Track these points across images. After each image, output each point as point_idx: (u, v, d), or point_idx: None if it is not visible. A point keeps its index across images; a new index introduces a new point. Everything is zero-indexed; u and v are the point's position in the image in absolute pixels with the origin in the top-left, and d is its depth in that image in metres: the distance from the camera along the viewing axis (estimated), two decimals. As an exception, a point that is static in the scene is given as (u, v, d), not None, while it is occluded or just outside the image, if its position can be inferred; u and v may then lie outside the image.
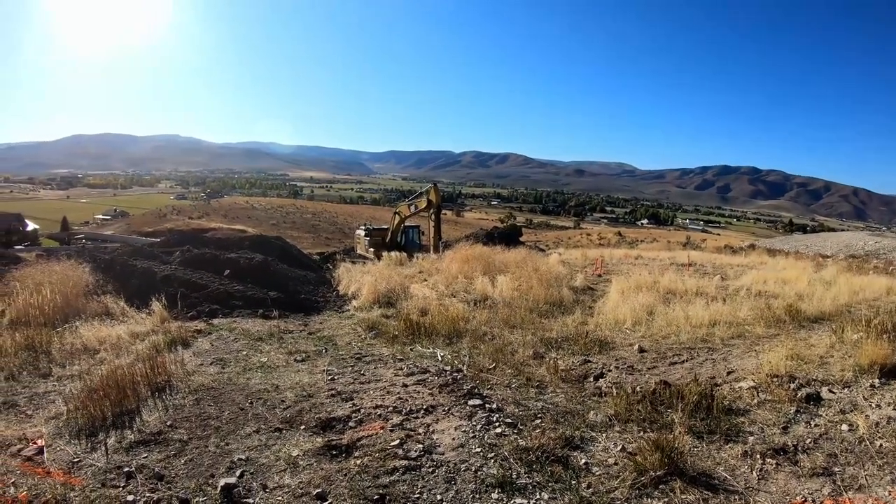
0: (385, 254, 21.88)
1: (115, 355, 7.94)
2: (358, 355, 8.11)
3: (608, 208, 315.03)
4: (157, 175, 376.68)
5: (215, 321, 10.57)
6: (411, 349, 8.39)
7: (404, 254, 21.39)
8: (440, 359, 7.74)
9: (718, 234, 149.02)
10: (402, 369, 7.24)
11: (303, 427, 5.43)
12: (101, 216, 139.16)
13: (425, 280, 15.46)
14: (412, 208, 26.29)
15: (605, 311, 10.65)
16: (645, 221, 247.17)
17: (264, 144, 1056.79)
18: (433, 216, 24.43)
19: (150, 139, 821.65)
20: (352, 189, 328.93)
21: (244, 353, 8.22)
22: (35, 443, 5.05)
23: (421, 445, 4.87)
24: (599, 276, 16.58)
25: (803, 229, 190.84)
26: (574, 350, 8.20)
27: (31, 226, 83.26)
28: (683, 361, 7.46)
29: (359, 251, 28.85)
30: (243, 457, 4.82)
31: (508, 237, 33.04)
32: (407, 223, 27.97)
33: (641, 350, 8.07)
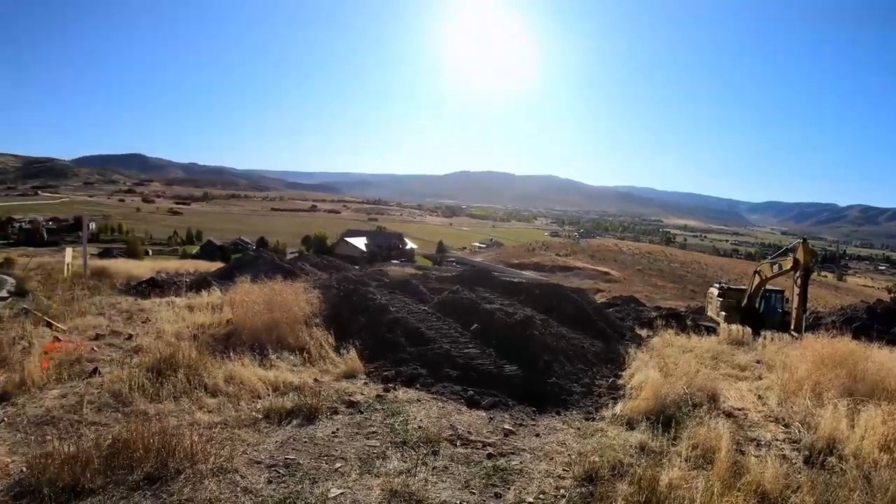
0: (723, 326, 19.47)
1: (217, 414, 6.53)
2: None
3: None
4: (534, 212, 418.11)
5: (399, 392, 8.54)
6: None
7: (748, 329, 17.82)
8: None
9: None
10: None
11: None
12: (477, 244, 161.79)
13: (759, 379, 11.16)
14: (775, 268, 21.26)
15: None
16: None
17: (640, 189, 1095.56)
18: (799, 280, 18.68)
19: (529, 178, 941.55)
20: (726, 241, 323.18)
21: (330, 471, 5.64)
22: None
23: None
24: None
25: None
26: None
27: (409, 245, 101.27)
28: None
29: (709, 312, 25.57)
30: None
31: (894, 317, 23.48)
32: (770, 286, 22.53)
33: None
